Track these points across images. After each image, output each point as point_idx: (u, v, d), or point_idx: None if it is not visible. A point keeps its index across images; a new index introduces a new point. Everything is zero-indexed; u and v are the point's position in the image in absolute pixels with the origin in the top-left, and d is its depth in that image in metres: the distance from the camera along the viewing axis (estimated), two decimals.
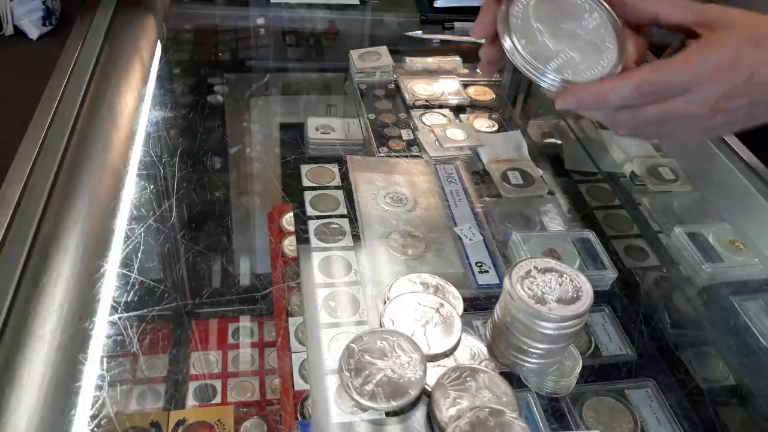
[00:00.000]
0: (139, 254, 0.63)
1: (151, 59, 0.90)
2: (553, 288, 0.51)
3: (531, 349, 0.52)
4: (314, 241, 0.69)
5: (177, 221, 0.72)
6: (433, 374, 0.53)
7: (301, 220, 0.71)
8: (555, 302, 0.50)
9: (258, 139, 0.94)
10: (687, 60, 0.47)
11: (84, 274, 0.56)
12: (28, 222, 0.57)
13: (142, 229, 0.65)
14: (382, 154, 0.81)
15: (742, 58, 0.47)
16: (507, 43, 0.50)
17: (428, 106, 0.91)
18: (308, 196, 0.74)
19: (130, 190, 0.69)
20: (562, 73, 0.49)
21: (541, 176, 0.80)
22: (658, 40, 0.53)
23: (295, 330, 0.66)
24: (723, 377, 0.63)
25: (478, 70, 1.00)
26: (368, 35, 1.14)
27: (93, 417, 0.49)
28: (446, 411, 0.50)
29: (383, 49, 0.97)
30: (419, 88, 0.93)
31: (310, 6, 1.13)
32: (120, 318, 0.57)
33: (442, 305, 0.58)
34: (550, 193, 0.79)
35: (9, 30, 1.69)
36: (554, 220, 0.76)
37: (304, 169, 0.79)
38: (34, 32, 1.69)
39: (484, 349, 0.56)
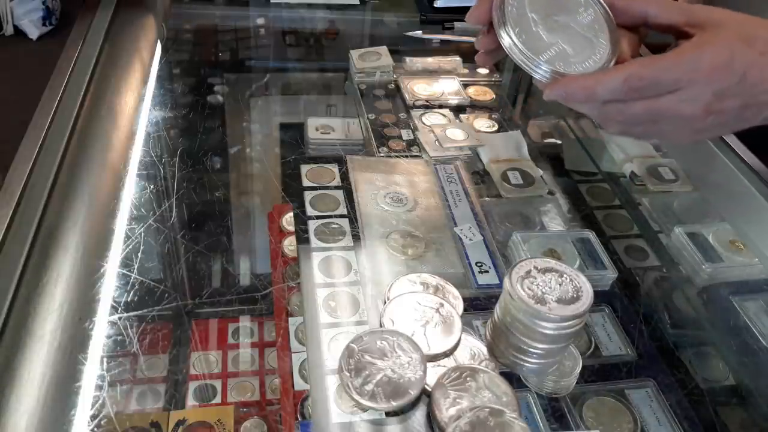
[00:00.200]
0: (139, 254, 0.63)
1: (151, 59, 0.90)
2: (553, 288, 0.51)
3: (531, 349, 0.52)
4: (314, 241, 0.69)
5: (177, 221, 0.72)
6: (433, 374, 0.53)
7: (301, 220, 0.71)
8: (555, 302, 0.50)
9: (258, 139, 0.94)
10: (679, 57, 0.47)
11: (84, 274, 0.56)
12: (28, 222, 0.57)
13: (142, 229, 0.65)
14: (382, 154, 0.81)
15: (736, 59, 0.46)
16: (501, 31, 0.50)
17: (428, 106, 0.91)
18: (308, 196, 0.74)
19: (130, 190, 0.69)
20: (553, 64, 0.49)
21: (541, 176, 0.80)
22: (658, 40, 0.53)
23: (295, 330, 0.66)
24: (723, 377, 0.63)
25: (478, 70, 1.00)
26: (368, 35, 1.14)
27: (93, 417, 0.49)
28: (446, 411, 0.50)
29: (383, 49, 0.97)
30: (419, 88, 0.93)
31: (310, 6, 1.13)
32: (120, 318, 0.57)
33: (442, 305, 0.58)
34: (550, 193, 0.79)
35: (9, 30, 1.69)
36: (554, 220, 0.76)
37: (304, 169, 0.79)
38: (34, 32, 1.69)
39: (484, 349, 0.56)
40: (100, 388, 0.51)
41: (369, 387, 0.50)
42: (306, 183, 0.77)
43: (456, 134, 0.84)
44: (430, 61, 1.00)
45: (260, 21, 1.13)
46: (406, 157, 0.81)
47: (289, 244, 0.74)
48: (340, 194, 0.75)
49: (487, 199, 0.77)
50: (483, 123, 0.89)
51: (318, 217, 0.71)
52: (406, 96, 0.92)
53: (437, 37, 1.07)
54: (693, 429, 0.55)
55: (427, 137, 0.83)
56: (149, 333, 0.59)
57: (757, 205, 0.73)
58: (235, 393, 0.73)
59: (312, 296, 0.62)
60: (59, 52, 0.79)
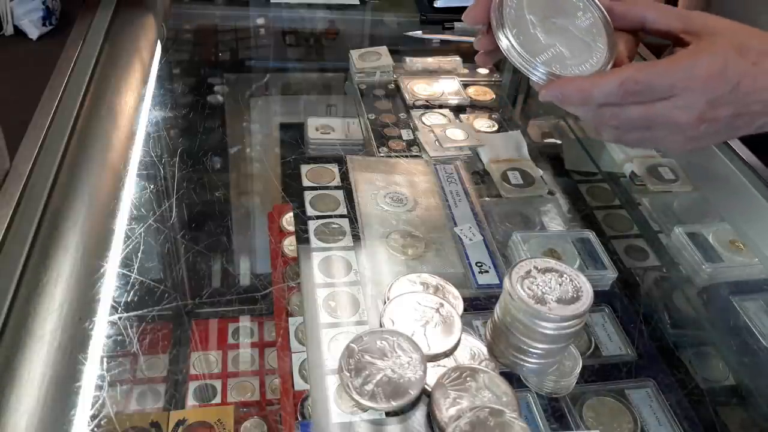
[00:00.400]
0: (139, 254, 0.63)
1: (151, 59, 0.90)
2: (553, 288, 0.51)
3: (531, 349, 0.52)
4: (314, 241, 0.69)
5: (177, 221, 0.72)
6: (433, 374, 0.53)
7: (301, 220, 0.71)
8: (555, 302, 0.50)
9: (258, 139, 0.94)
10: (674, 64, 0.47)
11: (84, 274, 0.56)
12: (28, 222, 0.58)
13: (142, 229, 0.65)
14: (382, 154, 0.81)
15: (730, 67, 0.47)
16: (498, 33, 0.50)
17: (428, 106, 0.91)
18: (308, 196, 0.74)
19: (130, 190, 0.69)
20: (550, 66, 0.50)
21: (541, 176, 0.80)
22: (658, 41, 0.53)
23: (295, 330, 0.66)
24: (723, 377, 0.63)
25: (478, 70, 1.00)
26: (368, 35, 1.14)
27: (93, 417, 0.49)
28: (446, 411, 0.50)
29: (383, 49, 0.97)
30: (419, 88, 0.93)
31: (310, 6, 1.13)
32: (120, 318, 0.57)
33: (442, 305, 0.58)
34: (550, 193, 0.79)
35: (9, 30, 1.69)
36: (554, 220, 0.76)
37: (304, 169, 0.79)
38: (34, 32, 1.69)
39: (484, 349, 0.56)
40: (100, 388, 0.51)
41: (369, 387, 0.50)
42: (306, 183, 0.77)
43: (456, 134, 0.84)
44: (430, 61, 1.00)
45: (260, 21, 1.13)
46: (406, 157, 0.81)
47: (289, 244, 0.74)
48: (340, 194, 0.75)
49: (487, 199, 0.77)
50: (483, 123, 0.89)
51: (318, 217, 0.71)
52: (406, 96, 0.92)
53: (437, 37, 1.07)
54: (693, 429, 0.55)
55: (427, 137, 0.83)
56: (149, 333, 0.59)
57: (757, 205, 0.73)
58: (235, 393, 0.73)
59: (312, 296, 0.62)
60: (59, 52, 0.79)
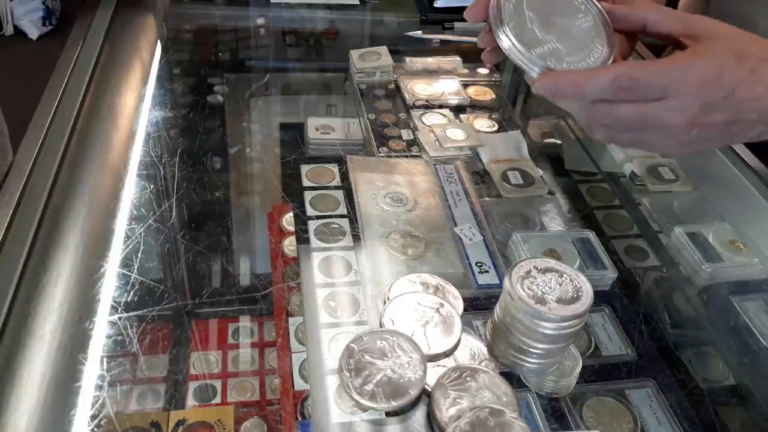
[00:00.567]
0: (139, 254, 0.63)
1: (151, 59, 0.90)
2: (553, 288, 0.51)
3: (531, 349, 0.52)
4: (314, 241, 0.69)
5: (177, 221, 0.72)
6: (433, 374, 0.53)
7: (301, 220, 0.71)
8: (555, 302, 0.50)
9: (258, 139, 0.94)
10: (670, 65, 0.47)
11: (84, 274, 0.56)
12: (28, 222, 0.58)
13: (142, 229, 0.65)
14: (382, 154, 0.81)
15: (726, 73, 0.46)
16: (497, 29, 0.50)
17: (428, 106, 0.91)
18: (308, 196, 0.74)
19: (130, 190, 0.69)
20: (545, 60, 0.49)
21: (541, 176, 0.80)
22: (657, 41, 0.53)
23: (295, 330, 0.66)
24: (723, 377, 0.63)
25: (478, 70, 1.00)
26: (368, 35, 1.14)
27: (93, 417, 0.49)
28: (446, 411, 0.50)
29: (383, 49, 0.97)
30: (419, 88, 0.93)
31: (310, 6, 1.13)
32: (120, 318, 0.57)
33: (442, 305, 0.58)
34: (550, 193, 0.79)
35: (9, 30, 1.69)
36: (554, 220, 0.76)
37: (304, 169, 0.79)
38: (34, 32, 1.69)
39: (484, 349, 0.56)
40: (100, 388, 0.51)
41: (369, 387, 0.50)
42: (306, 183, 0.77)
43: (456, 134, 0.84)
44: (430, 61, 1.00)
45: (260, 21, 1.13)
46: (406, 157, 0.81)
47: (289, 244, 0.74)
48: (340, 194, 0.75)
49: (487, 199, 0.77)
50: (483, 123, 0.89)
51: (318, 217, 0.72)
52: (406, 96, 0.92)
53: (437, 37, 1.07)
54: (693, 429, 0.55)
55: (427, 137, 0.83)
56: (149, 333, 0.59)
57: (757, 205, 0.73)
58: (235, 393, 0.73)
59: (312, 296, 0.62)
60: (59, 52, 0.79)
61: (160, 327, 0.63)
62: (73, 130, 0.69)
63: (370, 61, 0.95)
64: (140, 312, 0.59)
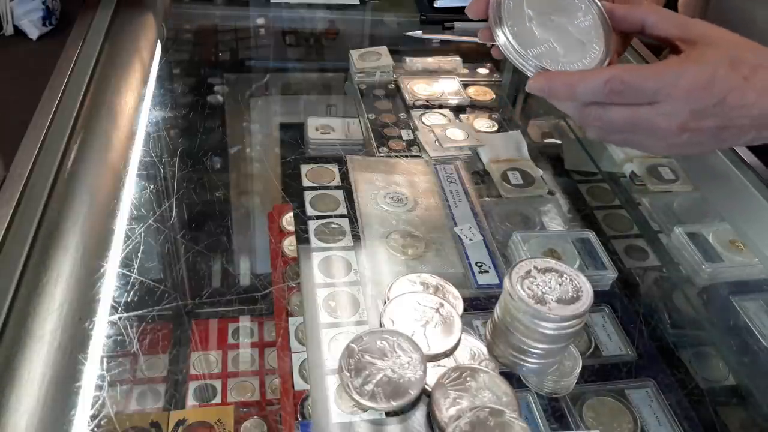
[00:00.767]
0: (139, 254, 0.63)
1: (151, 59, 0.90)
2: (553, 288, 0.51)
3: (531, 349, 0.52)
4: (314, 241, 0.69)
5: (177, 221, 0.72)
6: (433, 374, 0.53)
7: (301, 220, 0.71)
8: (555, 302, 0.50)
9: (258, 139, 0.94)
10: (662, 70, 0.47)
11: (84, 274, 0.56)
12: (28, 222, 0.58)
13: (142, 229, 0.65)
14: (382, 154, 0.81)
15: (717, 80, 0.46)
16: (495, 28, 0.50)
17: (428, 106, 0.91)
18: (308, 196, 0.74)
19: (130, 190, 0.69)
20: (541, 60, 0.50)
21: (541, 176, 0.80)
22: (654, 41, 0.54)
23: (295, 330, 0.66)
24: (723, 377, 0.63)
25: (478, 70, 1.00)
26: (368, 35, 1.14)
27: (93, 417, 0.49)
28: (446, 411, 0.50)
29: (383, 49, 0.97)
30: (419, 88, 0.93)
31: (310, 6, 1.13)
32: (120, 318, 0.57)
33: (442, 305, 0.58)
34: (550, 193, 0.79)
35: (9, 30, 1.69)
36: (554, 220, 0.76)
37: (304, 169, 0.79)
38: (34, 32, 1.68)
39: (484, 349, 0.56)
40: (100, 388, 0.51)
41: (369, 387, 0.50)
42: (306, 183, 0.77)
43: (456, 134, 0.84)
44: (430, 61, 1.00)
45: (260, 21, 1.13)
46: (406, 157, 0.81)
47: (289, 244, 0.74)
48: (340, 194, 0.75)
49: (487, 199, 0.77)
50: (483, 123, 0.89)
51: (318, 217, 0.71)
52: (406, 96, 0.92)
53: (437, 37, 1.07)
54: (693, 429, 0.55)
55: (427, 137, 0.83)
56: (149, 333, 0.59)
57: (757, 205, 0.73)
58: (235, 393, 0.73)
59: (312, 296, 0.62)
60: (59, 52, 0.79)
61: (160, 327, 0.63)
62: (73, 130, 0.69)
63: (370, 61, 0.95)
64: (140, 312, 0.59)
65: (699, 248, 0.70)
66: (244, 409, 0.70)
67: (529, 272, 0.52)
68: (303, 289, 0.64)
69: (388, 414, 0.52)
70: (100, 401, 0.50)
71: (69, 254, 0.57)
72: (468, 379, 0.52)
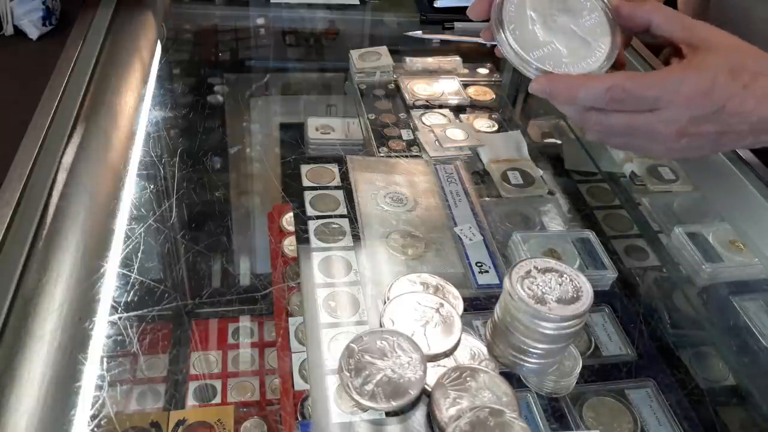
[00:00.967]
0: (139, 254, 0.63)
1: (151, 59, 0.90)
2: (553, 288, 0.51)
3: (531, 349, 0.52)
4: (314, 241, 0.69)
5: (177, 221, 0.72)
6: (433, 374, 0.53)
7: (301, 220, 0.71)
8: (555, 302, 0.50)
9: (258, 139, 0.94)
10: (663, 77, 0.48)
11: (84, 274, 0.56)
12: (28, 222, 0.57)
13: (142, 229, 0.65)
14: (382, 154, 0.81)
15: (717, 88, 0.47)
16: (495, 27, 0.50)
17: (428, 106, 0.91)
18: (308, 196, 0.74)
19: (130, 190, 0.69)
20: (543, 63, 0.50)
21: (541, 176, 0.80)
22: (655, 40, 0.54)
23: (295, 330, 0.66)
24: (723, 377, 0.63)
25: (478, 70, 1.00)
26: (368, 35, 1.14)
27: (93, 417, 0.49)
28: (446, 411, 0.50)
29: (383, 49, 0.97)
30: (419, 88, 0.93)
31: (310, 6, 1.13)
32: (120, 318, 0.57)
33: (442, 305, 0.58)
34: (550, 193, 0.79)
35: (9, 30, 1.68)
36: (554, 220, 0.76)
37: (304, 169, 0.79)
38: (34, 32, 1.68)
39: (484, 349, 0.56)
40: (100, 388, 0.51)
41: (369, 387, 0.50)
42: (306, 183, 0.77)
43: (456, 134, 0.84)
44: (430, 61, 1.00)
45: (260, 21, 1.12)
46: (406, 157, 0.81)
47: (289, 244, 0.74)
48: (340, 194, 0.75)
49: (487, 199, 0.77)
50: (483, 123, 0.89)
51: (318, 217, 0.71)
52: (406, 96, 0.92)
53: (437, 37, 1.07)
54: (693, 429, 0.55)
55: (427, 137, 0.83)
56: (149, 333, 0.59)
57: (757, 205, 0.73)
58: (235, 393, 0.73)
59: (312, 296, 0.62)
60: (59, 52, 0.79)
61: (160, 327, 0.63)
62: (73, 130, 0.69)
63: (370, 61, 0.95)
64: (140, 312, 0.59)
65: (699, 248, 0.70)
66: (244, 409, 0.70)
67: (529, 272, 0.52)
68: (303, 289, 0.64)
69: (388, 414, 0.52)
70: (100, 401, 0.50)
71: (69, 254, 0.57)
72: (468, 379, 0.52)
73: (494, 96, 0.95)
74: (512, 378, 0.54)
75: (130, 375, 0.62)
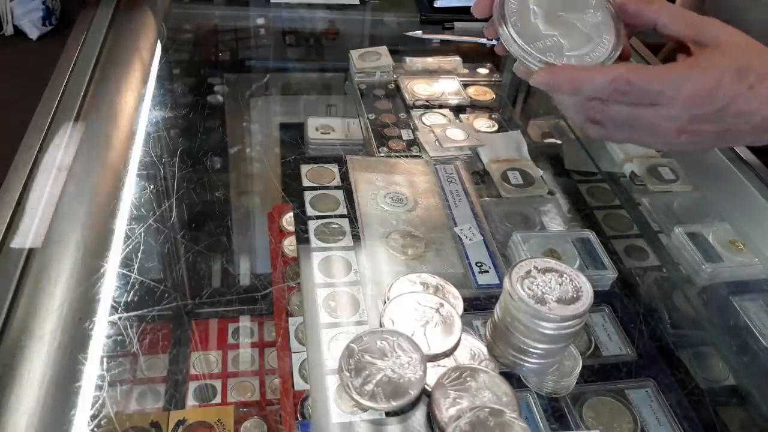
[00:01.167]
0: (139, 254, 0.63)
1: (151, 59, 0.90)
2: (553, 288, 0.51)
3: (531, 349, 0.52)
4: (314, 241, 0.69)
5: (177, 221, 0.72)
6: (433, 374, 0.53)
7: (301, 220, 0.71)
8: (555, 302, 0.50)
9: (258, 139, 0.94)
10: (668, 73, 0.47)
11: (84, 274, 0.56)
12: (28, 222, 0.57)
13: (142, 229, 0.65)
14: (382, 154, 0.81)
15: (722, 88, 0.46)
16: (498, 20, 0.50)
17: (428, 106, 0.91)
18: (308, 196, 0.74)
19: (130, 190, 0.69)
20: (544, 54, 0.49)
21: (541, 176, 0.80)
22: (655, 40, 0.53)
23: (295, 330, 0.66)
24: (723, 377, 0.63)
25: (478, 70, 1.00)
26: (368, 35, 1.14)
27: (93, 417, 0.49)
28: (446, 411, 0.50)
29: (383, 49, 0.97)
30: (419, 88, 0.93)
31: (310, 6, 1.13)
32: (120, 318, 0.57)
33: (442, 305, 0.58)
34: (550, 193, 0.79)
35: (9, 30, 1.69)
36: (554, 220, 0.76)
37: (304, 169, 0.79)
38: (34, 32, 1.69)
39: (484, 349, 0.56)
40: (100, 388, 0.51)
41: (369, 387, 0.50)
42: (306, 183, 0.77)
43: (456, 134, 0.84)
44: (430, 61, 1.00)
45: (260, 21, 1.12)
46: (406, 157, 0.81)
47: (289, 244, 0.74)
48: (340, 194, 0.75)
49: (487, 199, 0.77)
50: (483, 123, 0.89)
51: (318, 217, 0.71)
52: (406, 96, 0.92)
53: (437, 37, 1.07)
54: (693, 429, 0.55)
55: (427, 137, 0.83)
56: (149, 333, 0.59)
57: (757, 205, 0.73)
58: (235, 393, 0.73)
59: (312, 296, 0.62)
60: (59, 52, 0.79)
61: (160, 327, 0.63)
62: (73, 130, 0.69)
63: (370, 61, 0.95)
64: (140, 312, 0.59)
65: (699, 248, 0.70)
66: (244, 409, 0.70)
67: (529, 272, 0.52)
68: (303, 289, 0.64)
69: (388, 414, 0.52)
70: (100, 401, 0.50)
71: (69, 254, 0.57)
72: (468, 379, 0.52)
73: (494, 96, 0.95)
74: (512, 378, 0.54)
75: (130, 375, 0.62)
